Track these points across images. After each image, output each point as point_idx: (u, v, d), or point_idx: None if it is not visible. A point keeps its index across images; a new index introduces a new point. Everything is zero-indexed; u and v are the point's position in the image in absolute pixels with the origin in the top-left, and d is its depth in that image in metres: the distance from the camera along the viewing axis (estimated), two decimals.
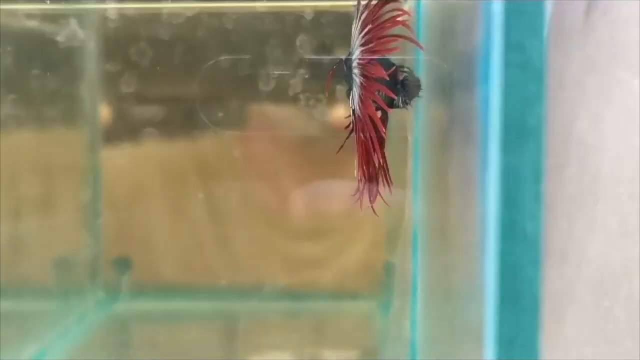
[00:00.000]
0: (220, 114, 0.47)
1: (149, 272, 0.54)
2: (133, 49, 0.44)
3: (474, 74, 0.19)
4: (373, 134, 0.32)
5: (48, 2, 0.38)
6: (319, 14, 0.41)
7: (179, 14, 0.40)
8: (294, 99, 0.44)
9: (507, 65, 0.16)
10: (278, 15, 0.42)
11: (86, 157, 0.52)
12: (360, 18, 0.33)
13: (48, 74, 0.44)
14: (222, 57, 0.42)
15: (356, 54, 0.33)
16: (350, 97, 0.33)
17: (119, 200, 0.53)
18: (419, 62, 0.37)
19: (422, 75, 0.34)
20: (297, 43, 0.42)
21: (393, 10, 0.32)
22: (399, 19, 0.32)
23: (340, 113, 0.43)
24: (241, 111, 0.47)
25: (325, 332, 0.52)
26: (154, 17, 0.42)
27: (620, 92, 0.40)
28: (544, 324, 0.19)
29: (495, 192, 0.17)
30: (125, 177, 0.53)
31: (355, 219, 0.45)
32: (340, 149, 0.35)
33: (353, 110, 0.33)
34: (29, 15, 0.40)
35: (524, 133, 0.16)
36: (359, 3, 0.33)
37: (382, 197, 0.34)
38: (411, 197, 0.39)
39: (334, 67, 0.34)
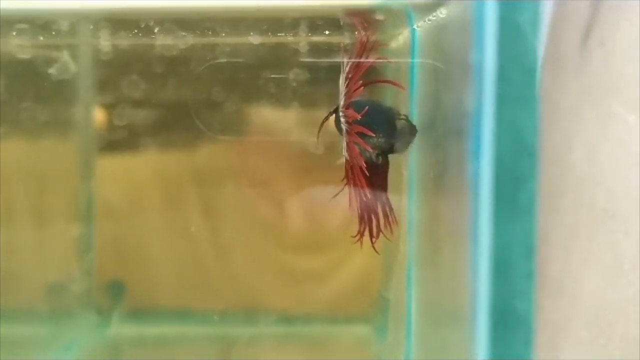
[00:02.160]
0: (217, 121, 0.47)
1: (143, 295, 0.53)
2: (125, 81, 0.43)
3: (464, 141, 0.19)
4: (360, 177, 0.33)
5: (41, 38, 0.38)
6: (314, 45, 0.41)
7: (173, 46, 0.40)
8: (293, 107, 0.44)
9: (499, 138, 0.16)
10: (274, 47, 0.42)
11: (79, 178, 0.52)
12: (345, 69, 0.34)
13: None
14: (219, 60, 0.43)
15: (342, 102, 0.34)
16: (342, 147, 0.35)
17: (113, 220, 0.53)
18: (414, 96, 0.37)
19: (418, 114, 0.34)
20: (291, 76, 0.42)
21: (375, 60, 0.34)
22: (392, 83, 0.35)
23: None
24: (239, 118, 0.47)
25: (322, 356, 0.52)
26: (147, 49, 0.42)
27: (616, 127, 0.40)
28: (538, 356, 0.19)
29: (486, 268, 0.16)
30: (120, 197, 0.53)
31: (352, 230, 0.45)
32: (335, 196, 0.36)
33: (346, 160, 0.34)
34: (21, 47, 0.40)
35: (516, 210, 0.16)
36: (342, 57, 0.35)
37: (383, 234, 0.35)
38: (406, 230, 0.39)
39: (326, 117, 0.35)
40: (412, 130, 0.35)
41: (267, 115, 0.47)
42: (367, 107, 0.34)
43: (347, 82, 0.34)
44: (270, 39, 0.41)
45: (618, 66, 0.40)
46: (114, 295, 0.53)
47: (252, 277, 0.53)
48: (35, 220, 0.50)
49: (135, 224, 0.53)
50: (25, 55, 0.40)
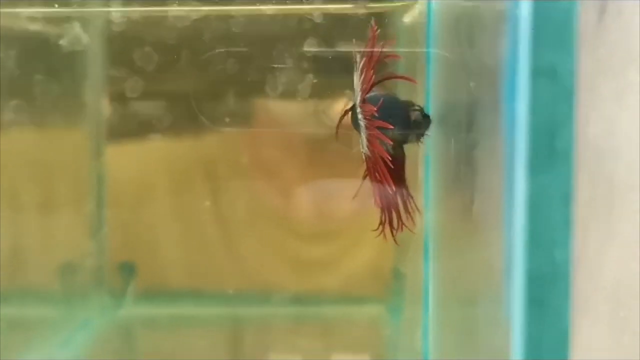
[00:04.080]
0: (225, 112, 0.47)
1: (154, 277, 0.53)
2: (138, 52, 0.43)
3: (498, 90, 0.18)
4: (384, 170, 0.34)
5: (56, 5, 0.38)
6: (328, 16, 0.41)
7: (185, 16, 0.40)
8: (302, 97, 0.44)
9: (535, 82, 0.15)
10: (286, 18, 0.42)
11: (90, 160, 0.51)
12: (359, 67, 0.35)
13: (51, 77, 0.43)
14: (219, 50, 0.42)
15: (358, 99, 0.35)
16: (360, 143, 0.35)
17: (123, 203, 0.53)
18: (429, 94, 0.37)
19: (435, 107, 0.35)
20: (305, 46, 0.42)
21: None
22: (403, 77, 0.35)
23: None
24: (247, 109, 0.47)
25: (334, 337, 0.52)
26: (159, 20, 0.41)
27: (635, 97, 0.39)
28: None
29: (522, 216, 0.16)
30: (130, 180, 0.53)
31: (362, 219, 0.44)
32: (355, 195, 0.37)
33: (366, 155, 0.35)
34: (32, 19, 0.39)
35: (553, 155, 0.16)
36: (355, 55, 0.35)
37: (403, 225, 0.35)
38: (422, 205, 0.39)
39: (343, 115, 0.36)
40: (426, 120, 0.36)
41: (275, 106, 0.47)
42: (382, 100, 0.35)
43: (361, 79, 0.35)
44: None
45: (636, 35, 0.39)
46: (125, 276, 0.52)
47: (261, 259, 0.53)
48: (47, 203, 0.50)
49: (145, 208, 0.52)
50: (36, 27, 0.39)
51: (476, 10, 0.25)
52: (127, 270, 0.53)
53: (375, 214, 0.38)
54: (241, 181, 0.52)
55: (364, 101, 0.35)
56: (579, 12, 0.15)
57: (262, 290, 0.52)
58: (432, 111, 0.36)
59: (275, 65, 0.43)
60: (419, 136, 0.36)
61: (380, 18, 0.44)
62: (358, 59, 0.35)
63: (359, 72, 0.35)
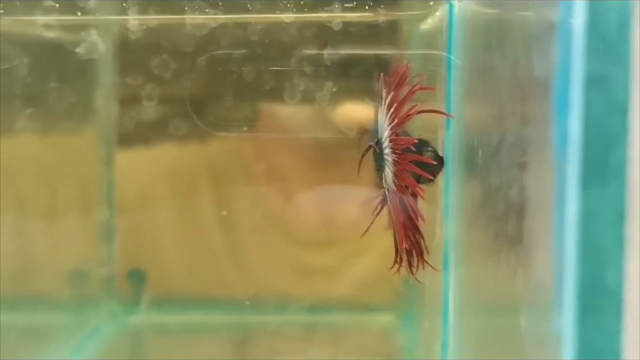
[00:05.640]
0: (240, 118, 0.46)
1: (163, 284, 0.53)
2: (155, 60, 0.43)
3: (541, 101, 0.18)
4: (414, 204, 0.34)
5: (79, 13, 0.38)
6: (347, 24, 0.40)
7: (203, 24, 0.39)
8: (307, 102, 0.44)
9: (588, 94, 0.15)
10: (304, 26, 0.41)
11: (100, 166, 0.51)
12: (385, 102, 0.35)
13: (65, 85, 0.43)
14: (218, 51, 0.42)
15: (385, 134, 0.35)
16: (383, 178, 0.35)
17: (132, 210, 0.52)
18: (450, 103, 0.37)
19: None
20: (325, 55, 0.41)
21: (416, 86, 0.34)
22: (419, 88, 0.34)
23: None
24: (252, 113, 0.47)
25: (343, 346, 0.51)
26: (176, 28, 0.41)
27: None
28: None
29: (574, 233, 0.15)
30: (139, 186, 0.53)
31: (368, 227, 0.44)
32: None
33: (387, 190, 0.35)
34: (47, 26, 0.39)
35: (606, 172, 0.15)
36: (382, 90, 0.35)
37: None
38: (442, 215, 0.38)
39: (364, 152, 0.36)
40: (439, 162, 0.36)
41: (282, 111, 0.47)
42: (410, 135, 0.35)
43: (390, 113, 0.34)
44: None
45: None
46: (135, 283, 0.52)
47: (267, 270, 0.53)
48: (57, 209, 0.49)
49: (152, 215, 0.52)
50: (51, 34, 0.39)
51: (513, 17, 0.24)
52: (137, 277, 0.52)
53: (382, 219, 0.38)
54: (253, 188, 0.51)
55: (396, 134, 0.34)
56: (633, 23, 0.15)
57: (271, 298, 0.51)
58: (454, 121, 0.36)
59: (284, 70, 0.43)
60: (432, 178, 0.35)
61: (398, 25, 0.44)
62: (384, 94, 0.35)
63: (384, 107, 0.35)
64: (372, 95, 0.38)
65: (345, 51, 0.41)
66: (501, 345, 0.27)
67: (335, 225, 0.52)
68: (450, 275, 0.38)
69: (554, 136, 0.16)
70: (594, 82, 0.15)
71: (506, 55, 0.25)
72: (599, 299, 0.16)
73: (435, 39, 0.39)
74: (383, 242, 0.43)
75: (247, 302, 0.50)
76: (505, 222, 0.25)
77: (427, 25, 0.42)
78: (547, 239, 0.17)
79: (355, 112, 0.43)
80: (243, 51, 0.42)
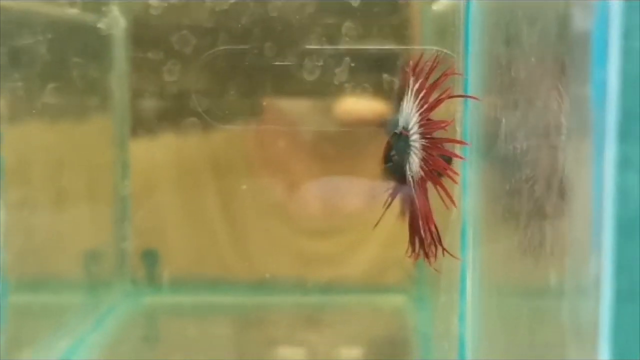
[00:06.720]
0: (229, 109, 0.46)
1: (177, 265, 0.53)
2: (175, 36, 0.43)
3: (581, 58, 0.17)
4: (445, 188, 0.34)
5: None
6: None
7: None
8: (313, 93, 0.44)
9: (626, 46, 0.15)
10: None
11: (115, 148, 0.51)
12: (412, 88, 0.35)
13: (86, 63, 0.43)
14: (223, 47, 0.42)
15: (414, 120, 0.35)
16: (408, 167, 0.35)
17: (145, 192, 0.53)
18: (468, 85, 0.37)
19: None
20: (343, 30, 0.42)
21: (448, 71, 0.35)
22: (452, 72, 0.35)
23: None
24: (255, 106, 0.47)
25: (355, 326, 0.52)
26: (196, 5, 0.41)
27: None
28: None
29: (611, 184, 0.15)
30: (152, 170, 0.53)
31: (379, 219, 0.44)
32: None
33: (411, 178, 0.35)
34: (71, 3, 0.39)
35: None
36: (409, 77, 0.36)
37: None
38: (461, 193, 0.38)
39: (389, 141, 0.37)
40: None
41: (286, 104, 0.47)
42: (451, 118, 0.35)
43: (419, 99, 0.35)
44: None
45: None
46: (148, 264, 0.53)
47: (273, 256, 0.53)
48: (70, 192, 0.49)
49: (164, 199, 0.52)
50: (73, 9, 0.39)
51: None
52: (150, 257, 0.53)
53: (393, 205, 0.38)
54: (251, 176, 0.51)
55: (426, 120, 0.35)
56: None
57: (282, 280, 0.52)
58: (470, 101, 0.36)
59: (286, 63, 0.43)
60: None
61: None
62: (411, 83, 0.35)
63: (411, 94, 0.35)
64: (387, 85, 0.38)
65: (354, 47, 0.42)
66: (524, 326, 0.27)
67: (338, 215, 0.52)
68: (469, 252, 0.38)
69: (591, 90, 0.16)
70: (632, 33, 0.15)
71: (534, 20, 0.25)
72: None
73: (448, 21, 0.39)
74: (387, 230, 0.44)
75: (267, 275, 0.50)
76: (531, 192, 0.25)
77: (440, 6, 0.42)
78: (584, 203, 0.17)
79: (367, 105, 0.43)
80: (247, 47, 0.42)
